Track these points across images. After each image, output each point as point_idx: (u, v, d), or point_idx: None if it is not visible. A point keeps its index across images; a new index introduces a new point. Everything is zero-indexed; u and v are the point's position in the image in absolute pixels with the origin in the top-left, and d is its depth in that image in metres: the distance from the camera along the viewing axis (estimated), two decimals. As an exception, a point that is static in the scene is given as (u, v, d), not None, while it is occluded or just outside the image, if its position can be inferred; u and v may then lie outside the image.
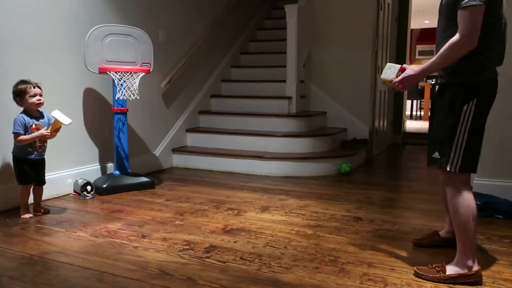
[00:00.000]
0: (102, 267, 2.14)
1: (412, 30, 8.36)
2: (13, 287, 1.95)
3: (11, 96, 2.86)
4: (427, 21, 11.80)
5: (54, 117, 2.84)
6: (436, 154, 2.00)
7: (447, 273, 1.98)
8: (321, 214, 3.03)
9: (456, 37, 1.85)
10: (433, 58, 1.94)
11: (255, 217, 2.95)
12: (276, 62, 5.43)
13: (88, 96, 3.67)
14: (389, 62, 5.58)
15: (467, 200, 1.95)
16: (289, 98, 4.93)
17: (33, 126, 2.86)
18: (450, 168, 1.95)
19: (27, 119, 2.84)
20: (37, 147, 2.91)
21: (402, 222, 2.85)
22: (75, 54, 3.48)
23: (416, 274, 2.04)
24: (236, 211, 3.08)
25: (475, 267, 1.96)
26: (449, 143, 1.95)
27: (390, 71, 2.09)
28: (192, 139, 4.88)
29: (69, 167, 3.52)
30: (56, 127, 2.86)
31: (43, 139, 2.91)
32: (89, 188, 3.43)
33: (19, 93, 2.83)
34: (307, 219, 2.91)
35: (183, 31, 4.73)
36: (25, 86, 2.83)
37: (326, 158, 4.36)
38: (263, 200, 3.39)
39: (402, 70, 2.07)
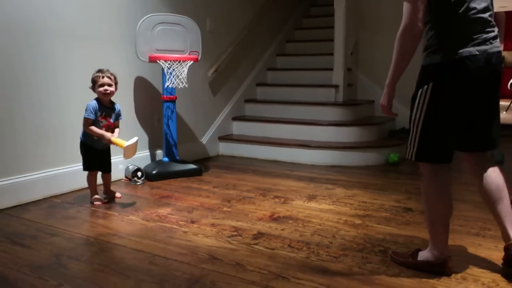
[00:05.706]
0: (154, 250, 2.21)
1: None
2: (72, 266, 2.05)
3: (72, 88, 2.95)
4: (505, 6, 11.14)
5: (129, 143, 2.82)
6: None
7: (418, 259, 1.98)
8: (369, 204, 2.98)
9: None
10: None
11: (302, 206, 2.94)
12: (322, 50, 5.36)
13: (138, 85, 3.76)
14: None
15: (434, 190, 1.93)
16: (336, 86, 4.85)
17: (102, 116, 2.90)
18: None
19: (98, 106, 2.87)
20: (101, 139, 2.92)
21: (456, 214, 2.73)
22: (125, 43, 3.56)
23: (391, 258, 2.07)
24: (282, 199, 3.08)
25: (442, 257, 1.92)
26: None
27: None
28: (238, 128, 4.92)
29: (120, 153, 3.62)
30: (118, 144, 2.86)
31: (104, 140, 2.90)
32: (139, 174, 3.54)
33: (92, 81, 2.90)
34: (355, 209, 2.87)
35: (230, 20, 4.74)
36: (97, 75, 2.88)
37: (373, 148, 4.27)
38: (309, 189, 3.37)
39: None
